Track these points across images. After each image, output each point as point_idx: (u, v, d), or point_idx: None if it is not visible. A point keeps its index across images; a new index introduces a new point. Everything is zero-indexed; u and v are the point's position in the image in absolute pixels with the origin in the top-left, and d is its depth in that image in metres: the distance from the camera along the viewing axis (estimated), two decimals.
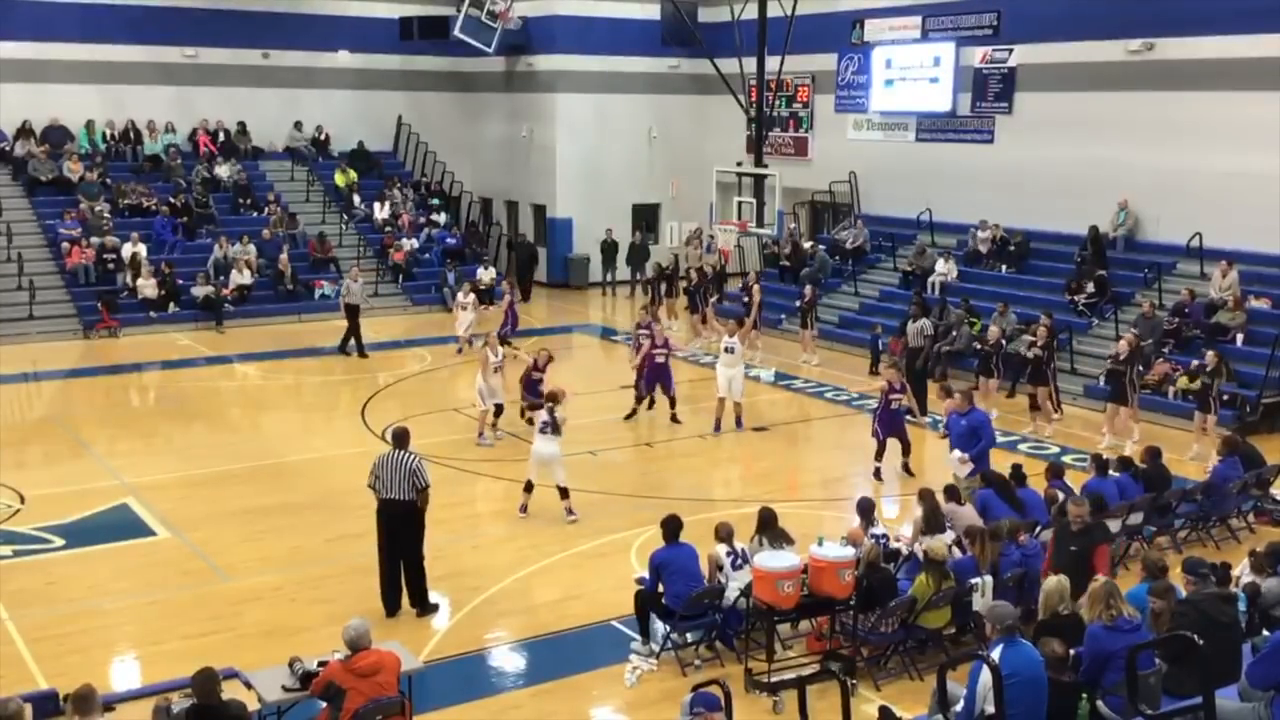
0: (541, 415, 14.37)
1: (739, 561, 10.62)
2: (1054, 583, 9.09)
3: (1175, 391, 19.34)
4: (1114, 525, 12.49)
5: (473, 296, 24.69)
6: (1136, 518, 13.18)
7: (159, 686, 9.24)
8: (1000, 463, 14.37)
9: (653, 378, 19.01)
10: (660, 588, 10.68)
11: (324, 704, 8.23)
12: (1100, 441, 17.60)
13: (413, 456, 11.61)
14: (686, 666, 10.47)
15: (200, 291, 26.52)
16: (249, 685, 8.67)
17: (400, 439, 11.72)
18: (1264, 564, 10.29)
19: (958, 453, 14.27)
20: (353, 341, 23.80)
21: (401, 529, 11.61)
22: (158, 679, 9.77)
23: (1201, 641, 7.54)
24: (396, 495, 11.50)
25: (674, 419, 18.94)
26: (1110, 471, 13.54)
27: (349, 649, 8.22)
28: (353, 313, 23.83)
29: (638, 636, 10.92)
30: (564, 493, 14.29)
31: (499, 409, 17.73)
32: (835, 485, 16.24)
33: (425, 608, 11.70)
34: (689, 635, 10.77)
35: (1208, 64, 21.69)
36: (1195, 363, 18.49)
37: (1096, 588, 8.59)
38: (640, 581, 11.06)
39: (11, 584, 12.30)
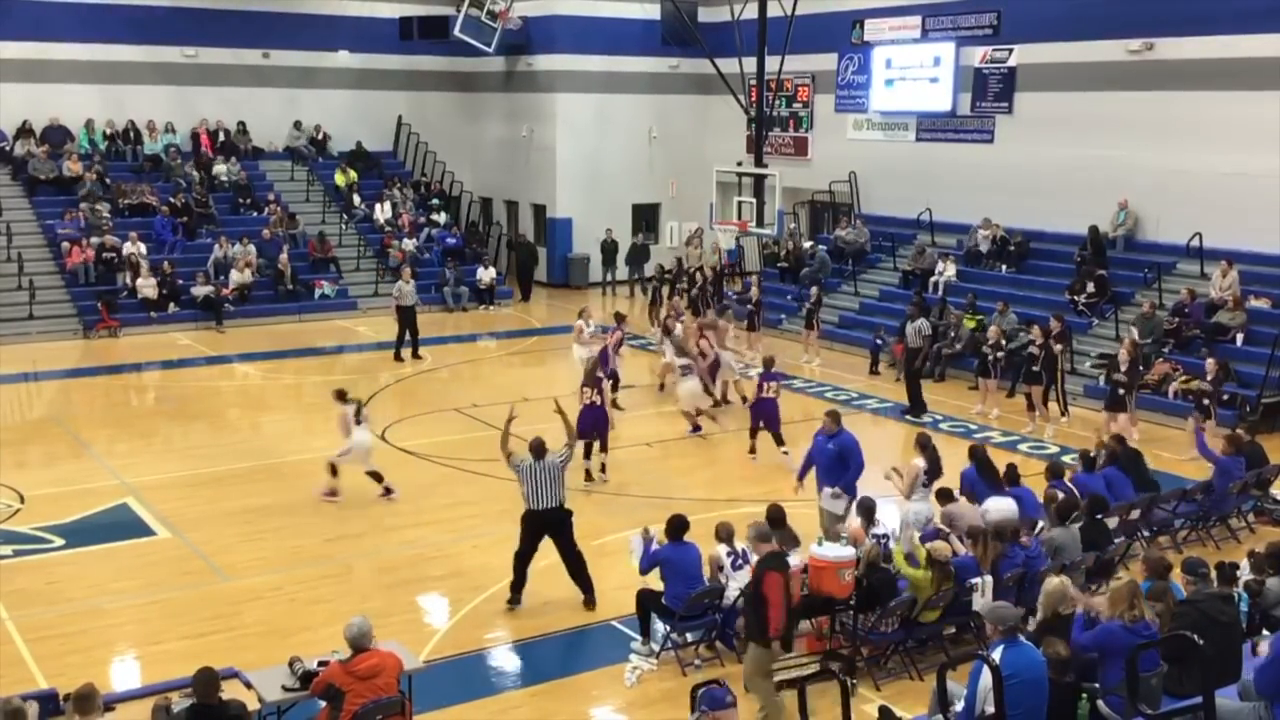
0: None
1: (739, 562, 10.62)
2: (1056, 583, 9.09)
3: (1175, 391, 19.35)
4: (1110, 522, 12.53)
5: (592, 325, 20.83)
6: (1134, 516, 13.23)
7: (159, 686, 9.22)
8: (998, 461, 14.35)
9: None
10: (653, 581, 10.66)
11: (324, 704, 8.23)
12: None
13: (555, 463, 11.78)
14: (686, 666, 10.48)
15: (200, 291, 26.52)
16: (249, 685, 8.67)
17: (538, 450, 11.79)
18: (1265, 564, 10.29)
19: (828, 490, 12.84)
20: (409, 340, 23.40)
21: (557, 535, 11.83)
22: (158, 679, 9.76)
23: (1201, 642, 7.54)
24: (550, 505, 11.69)
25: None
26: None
27: (351, 648, 8.20)
28: (406, 314, 23.40)
29: (638, 636, 10.92)
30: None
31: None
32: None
33: (592, 598, 11.85)
34: (689, 635, 10.77)
35: (1208, 64, 21.69)
36: (1197, 381, 18.42)
37: (1120, 586, 8.59)
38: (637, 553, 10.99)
39: (11, 584, 12.31)
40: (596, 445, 16.05)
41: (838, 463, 12.96)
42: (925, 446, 12.77)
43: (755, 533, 9.79)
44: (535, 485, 11.60)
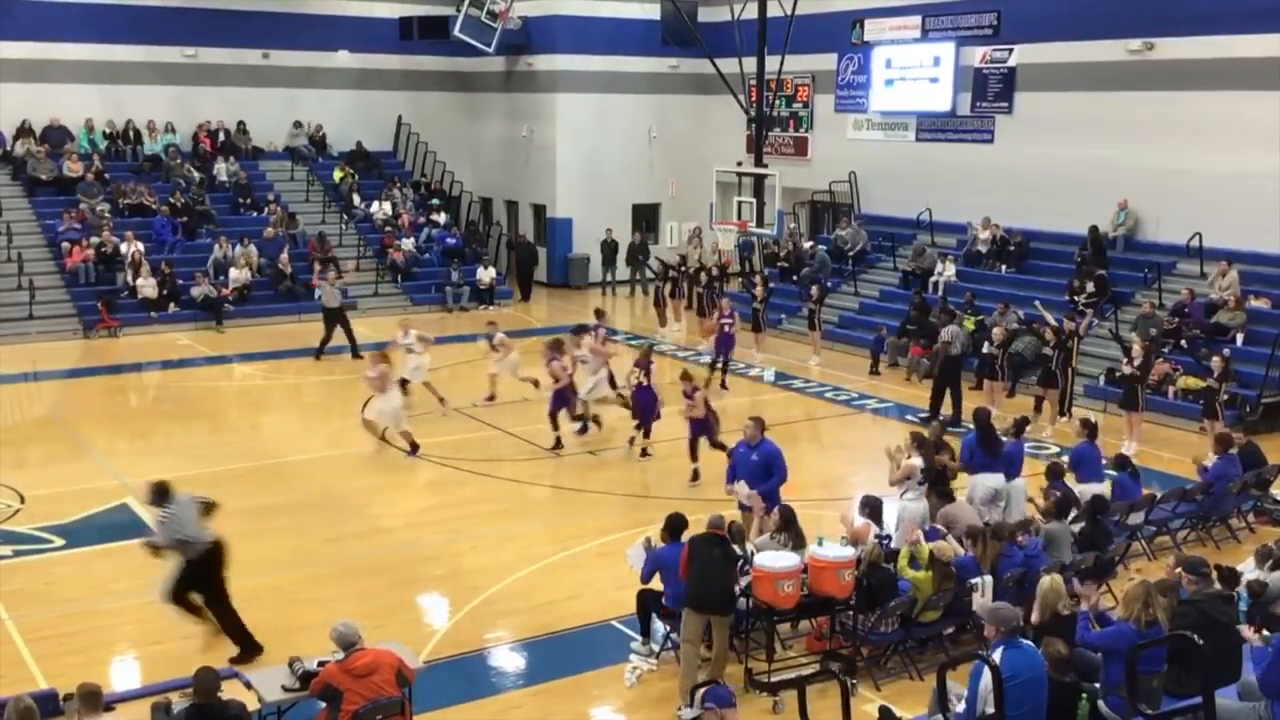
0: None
1: (745, 567, 10.57)
2: (1049, 582, 9.08)
3: (1175, 391, 19.35)
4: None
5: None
6: (1137, 517, 13.24)
7: (159, 686, 9.24)
8: None
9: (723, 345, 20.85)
10: (654, 583, 10.64)
11: (323, 704, 8.23)
12: (1121, 449, 17.32)
13: None
14: None
15: (199, 291, 26.50)
16: (249, 685, 8.67)
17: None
18: (1268, 558, 10.31)
19: (743, 484, 12.78)
20: (341, 343, 23.16)
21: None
22: (157, 679, 9.78)
23: (1202, 642, 7.54)
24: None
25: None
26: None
27: (340, 647, 8.24)
28: (332, 316, 23.23)
29: (638, 636, 10.92)
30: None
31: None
32: (835, 485, 16.23)
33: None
34: None
35: (1208, 64, 21.69)
36: (1205, 381, 18.37)
37: (1134, 588, 8.58)
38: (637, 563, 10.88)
39: (11, 584, 12.31)
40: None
41: (762, 471, 12.65)
42: (922, 445, 12.77)
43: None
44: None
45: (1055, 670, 7.85)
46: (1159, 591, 8.79)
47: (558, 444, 17.44)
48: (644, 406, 16.97)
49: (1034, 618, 8.99)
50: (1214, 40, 21.60)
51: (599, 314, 20.74)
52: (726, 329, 21.24)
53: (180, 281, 26.65)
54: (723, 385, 21.08)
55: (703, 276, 26.88)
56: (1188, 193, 22.04)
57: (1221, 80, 21.48)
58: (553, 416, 17.48)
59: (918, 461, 12.36)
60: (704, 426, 15.81)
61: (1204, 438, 17.35)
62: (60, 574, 12.69)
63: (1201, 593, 9.14)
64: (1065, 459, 14.09)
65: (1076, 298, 22.23)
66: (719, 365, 21.46)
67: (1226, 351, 18.64)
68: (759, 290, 23.76)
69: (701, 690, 8.19)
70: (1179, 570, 9.63)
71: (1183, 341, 20.23)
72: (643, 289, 30.73)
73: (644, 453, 17.10)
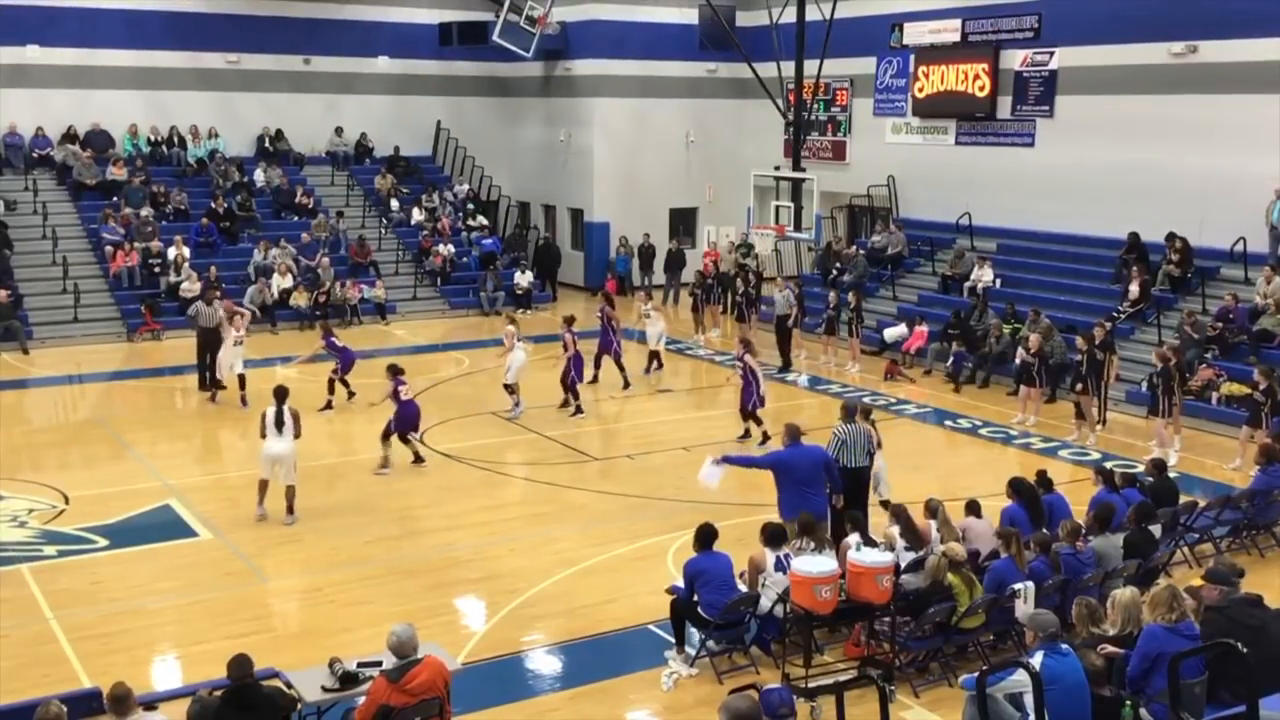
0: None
1: (780, 564, 10.53)
2: (1129, 594, 8.83)
3: (1219, 398, 19.12)
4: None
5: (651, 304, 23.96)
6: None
7: (200, 686, 9.31)
8: (1031, 466, 14.26)
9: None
10: (695, 596, 10.65)
11: (359, 701, 8.22)
12: (1152, 451, 17.13)
13: (870, 429, 13.39)
14: (723, 674, 10.44)
15: (258, 297, 26.49)
16: (289, 685, 8.73)
17: (852, 411, 13.30)
18: None
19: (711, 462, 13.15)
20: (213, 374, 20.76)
21: (859, 491, 12.99)
22: (199, 679, 9.86)
23: (1245, 649, 7.44)
24: (862, 463, 13.00)
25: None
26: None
27: (395, 656, 7.99)
28: (207, 337, 20.74)
29: (674, 641, 10.90)
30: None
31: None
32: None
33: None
34: (724, 642, 10.73)
35: (1251, 67, 21.44)
36: (1249, 389, 18.05)
37: (1159, 592, 8.47)
38: (674, 590, 11.01)
39: (56, 584, 12.46)
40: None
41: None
42: (899, 515, 11.68)
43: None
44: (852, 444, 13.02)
45: (1092, 683, 7.78)
46: (1190, 596, 8.70)
47: (578, 409, 19.48)
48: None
49: (1111, 630, 8.83)
50: (1258, 43, 21.35)
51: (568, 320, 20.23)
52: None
53: (226, 286, 26.81)
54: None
55: (739, 283, 26.80)
56: (1232, 197, 21.77)
57: (1266, 84, 21.21)
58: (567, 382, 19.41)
59: (893, 530, 11.87)
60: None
61: (1245, 449, 17.07)
62: (104, 574, 12.84)
63: (1228, 598, 9.00)
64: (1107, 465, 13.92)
65: (1122, 306, 22.01)
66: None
67: (1268, 369, 18.31)
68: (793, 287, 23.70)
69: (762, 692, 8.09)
70: (1201, 580, 9.43)
71: (1214, 348, 20.01)
72: (676, 295, 30.60)
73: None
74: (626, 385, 21.22)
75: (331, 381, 19.82)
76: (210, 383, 20.81)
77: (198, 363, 21.19)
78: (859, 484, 13.14)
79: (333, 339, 20.14)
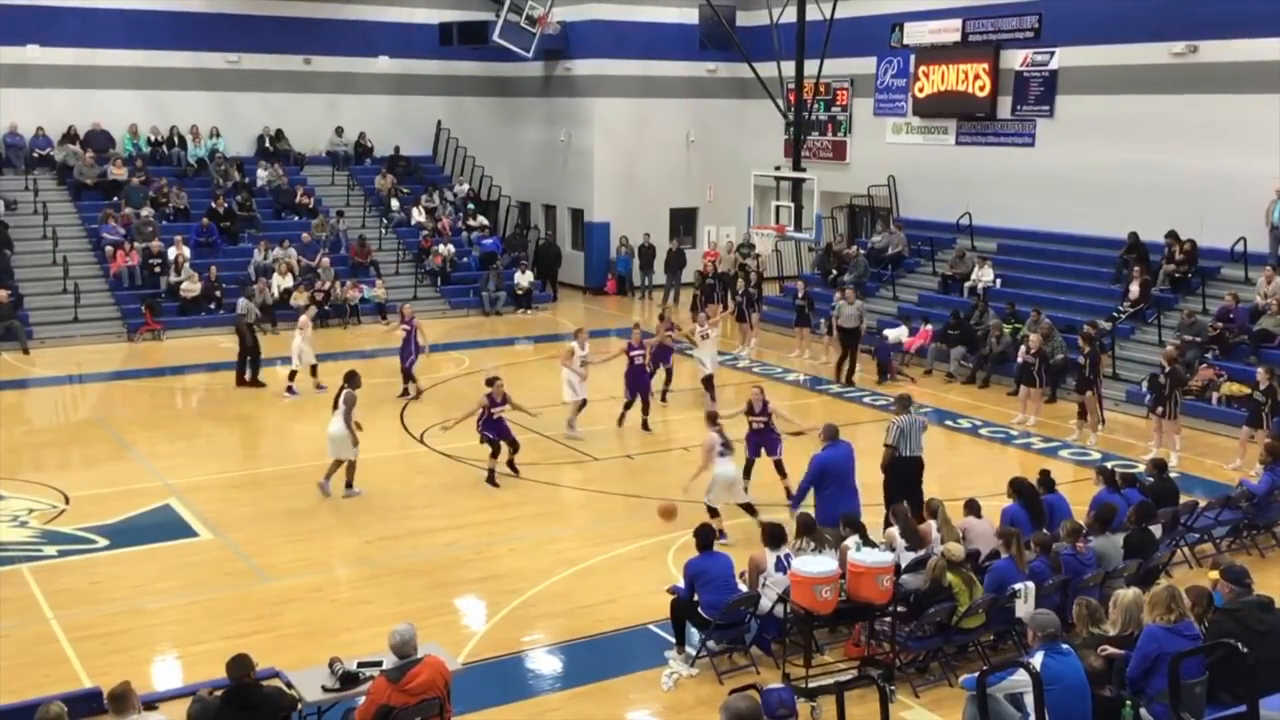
0: (715, 437, 13.74)
1: (781, 567, 10.54)
2: (1132, 595, 8.85)
3: (1219, 398, 19.12)
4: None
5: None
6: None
7: (201, 686, 9.32)
8: (1032, 466, 14.29)
9: (631, 380, 18.84)
10: (695, 596, 10.65)
11: (359, 701, 8.23)
12: (1152, 451, 17.16)
13: (923, 419, 14.11)
14: (723, 674, 10.44)
15: (259, 297, 26.39)
16: (289, 685, 8.73)
17: (907, 402, 13.95)
18: None
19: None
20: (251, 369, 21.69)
21: (916, 479, 13.40)
22: (200, 678, 9.87)
23: (1245, 649, 7.44)
24: (917, 452, 13.49)
25: (645, 426, 18.80)
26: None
27: (396, 655, 8.04)
28: (245, 333, 21.64)
29: (674, 641, 10.90)
30: (751, 509, 13.99)
31: (583, 403, 18.42)
32: (866, 490, 16.11)
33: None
34: (725, 641, 10.73)
35: (1251, 67, 21.44)
36: (1249, 389, 18.05)
37: (1158, 592, 8.47)
38: (674, 590, 11.02)
39: (56, 584, 12.47)
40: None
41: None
42: (897, 515, 11.66)
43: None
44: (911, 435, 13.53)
45: (1093, 684, 7.78)
46: (1191, 598, 8.69)
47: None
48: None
49: (1111, 630, 8.83)
50: (1258, 43, 21.35)
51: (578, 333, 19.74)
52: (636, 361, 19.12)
53: (225, 285, 26.84)
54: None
55: (740, 284, 26.75)
56: (1232, 197, 21.77)
57: (1266, 84, 21.22)
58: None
59: (892, 532, 11.88)
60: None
61: (1245, 450, 17.08)
62: (104, 574, 12.84)
63: (1239, 600, 9.00)
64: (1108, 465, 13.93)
65: (1122, 306, 22.02)
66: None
67: (1269, 368, 18.31)
68: (800, 286, 23.52)
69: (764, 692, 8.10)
70: (1217, 576, 9.45)
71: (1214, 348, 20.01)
72: (674, 297, 30.54)
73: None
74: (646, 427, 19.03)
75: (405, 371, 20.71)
76: (252, 380, 21.59)
77: (240, 359, 21.70)
78: (915, 473, 13.59)
79: (413, 321, 20.97)
